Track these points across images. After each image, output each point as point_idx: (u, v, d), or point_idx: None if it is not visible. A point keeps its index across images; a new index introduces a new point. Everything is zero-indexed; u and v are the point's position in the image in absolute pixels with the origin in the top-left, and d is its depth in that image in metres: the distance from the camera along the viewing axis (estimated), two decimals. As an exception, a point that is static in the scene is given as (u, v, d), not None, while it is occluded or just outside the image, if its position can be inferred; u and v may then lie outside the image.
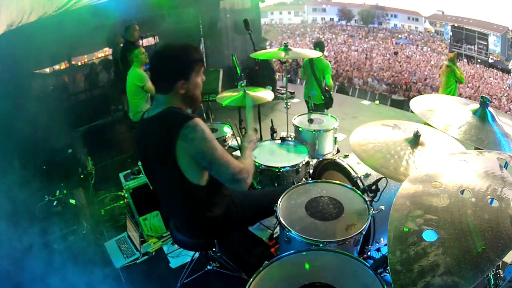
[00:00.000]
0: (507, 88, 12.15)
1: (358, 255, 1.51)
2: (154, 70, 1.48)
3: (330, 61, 4.10)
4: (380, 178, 1.65)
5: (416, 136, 1.41)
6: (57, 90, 5.12)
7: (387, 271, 1.36)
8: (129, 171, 2.67)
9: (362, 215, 1.56)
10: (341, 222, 1.54)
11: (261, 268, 1.24)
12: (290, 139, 2.66)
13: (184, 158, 1.41)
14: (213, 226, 1.66)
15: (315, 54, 3.02)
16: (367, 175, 2.02)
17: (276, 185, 2.31)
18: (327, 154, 2.76)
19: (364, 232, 1.50)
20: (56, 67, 5.20)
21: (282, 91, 5.89)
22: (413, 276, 0.71)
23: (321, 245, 1.40)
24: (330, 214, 1.58)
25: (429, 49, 17.50)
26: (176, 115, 1.42)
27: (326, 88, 4.03)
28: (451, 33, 16.67)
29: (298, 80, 12.30)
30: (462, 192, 0.86)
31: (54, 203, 2.65)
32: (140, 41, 4.44)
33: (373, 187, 1.67)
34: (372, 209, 1.59)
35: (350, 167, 2.07)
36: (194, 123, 1.37)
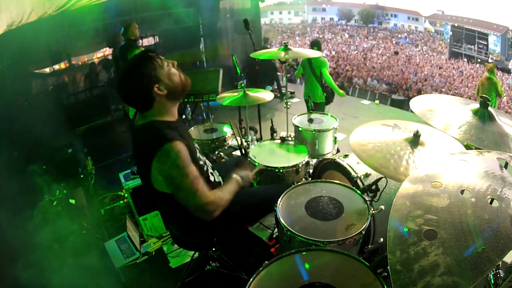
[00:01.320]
0: (507, 88, 12.14)
1: (358, 255, 1.51)
2: (128, 101, 1.46)
3: (330, 61, 4.14)
4: (380, 178, 1.65)
5: (416, 136, 1.41)
6: (57, 90, 5.13)
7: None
8: (129, 171, 2.68)
9: (362, 215, 1.56)
10: (341, 222, 1.54)
11: (261, 268, 1.24)
12: (290, 139, 2.66)
13: (157, 177, 1.41)
14: (210, 225, 1.66)
15: (315, 54, 3.02)
16: (367, 175, 2.02)
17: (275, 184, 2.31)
18: (327, 154, 2.76)
19: (364, 232, 1.50)
20: (56, 67, 5.21)
21: (283, 91, 5.89)
22: (413, 276, 0.71)
23: (321, 245, 1.40)
24: (330, 214, 1.58)
25: (429, 48, 17.49)
26: (155, 133, 1.40)
27: (326, 84, 4.06)
28: (451, 33, 16.66)
29: (298, 80, 12.28)
30: (462, 192, 0.85)
31: (54, 203, 2.65)
32: (140, 41, 4.43)
33: (373, 187, 1.67)
34: (372, 209, 1.59)
35: (350, 167, 2.07)
36: (169, 148, 1.34)
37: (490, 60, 14.21)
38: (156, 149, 1.35)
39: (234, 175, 1.65)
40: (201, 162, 1.62)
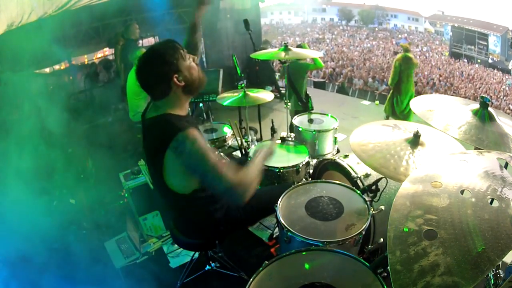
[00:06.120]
0: (507, 88, 12.14)
1: (358, 255, 1.51)
2: (145, 86, 1.44)
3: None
4: (380, 178, 1.65)
5: (416, 136, 1.41)
6: (57, 90, 5.12)
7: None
8: (129, 171, 2.67)
9: (362, 215, 1.56)
10: (341, 222, 1.54)
11: (261, 268, 1.24)
12: (290, 139, 2.66)
13: (172, 168, 1.40)
14: (213, 228, 1.66)
15: (316, 54, 3.02)
16: (367, 175, 2.02)
17: (276, 185, 2.31)
18: (327, 154, 2.76)
19: (364, 232, 1.50)
20: (56, 67, 5.21)
21: (282, 91, 5.89)
22: (413, 276, 0.71)
23: (321, 245, 1.40)
24: (330, 214, 1.58)
25: (429, 49, 17.51)
26: (168, 125, 1.39)
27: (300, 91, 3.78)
28: (451, 33, 16.69)
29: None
30: (462, 192, 0.85)
31: (54, 203, 2.65)
32: (140, 41, 4.44)
33: (373, 187, 1.67)
34: (372, 209, 1.59)
35: (350, 167, 2.07)
36: (184, 136, 1.33)
37: (490, 60, 14.19)
38: (169, 139, 1.33)
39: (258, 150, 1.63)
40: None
